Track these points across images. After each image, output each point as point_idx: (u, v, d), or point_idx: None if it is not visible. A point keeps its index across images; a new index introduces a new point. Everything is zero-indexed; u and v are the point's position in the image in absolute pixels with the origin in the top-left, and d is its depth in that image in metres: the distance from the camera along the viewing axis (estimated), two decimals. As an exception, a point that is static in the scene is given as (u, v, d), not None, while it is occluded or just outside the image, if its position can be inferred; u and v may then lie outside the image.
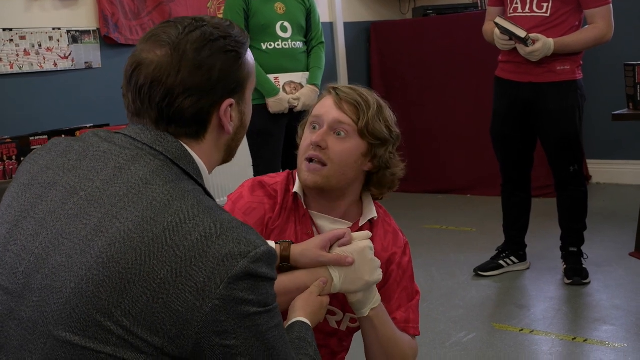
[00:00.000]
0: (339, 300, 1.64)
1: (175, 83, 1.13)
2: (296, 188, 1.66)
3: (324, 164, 1.59)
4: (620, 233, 4.07)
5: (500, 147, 3.58)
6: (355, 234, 1.54)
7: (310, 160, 1.60)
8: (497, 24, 3.31)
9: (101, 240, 1.06)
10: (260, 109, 3.52)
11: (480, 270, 3.69)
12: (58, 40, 3.82)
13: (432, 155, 5.57)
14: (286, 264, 1.50)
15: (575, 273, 3.49)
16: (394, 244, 1.70)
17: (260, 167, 3.65)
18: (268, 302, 1.09)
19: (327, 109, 1.61)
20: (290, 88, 3.58)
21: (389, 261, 1.68)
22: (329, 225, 1.65)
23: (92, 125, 3.62)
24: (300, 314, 1.40)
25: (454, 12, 5.59)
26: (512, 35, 3.29)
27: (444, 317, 3.22)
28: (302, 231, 1.64)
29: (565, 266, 3.56)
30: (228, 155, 1.26)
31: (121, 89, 1.21)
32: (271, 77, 3.55)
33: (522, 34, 3.25)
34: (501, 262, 3.71)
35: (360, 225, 1.67)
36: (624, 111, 3.79)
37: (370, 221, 1.68)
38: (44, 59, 3.77)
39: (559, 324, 3.09)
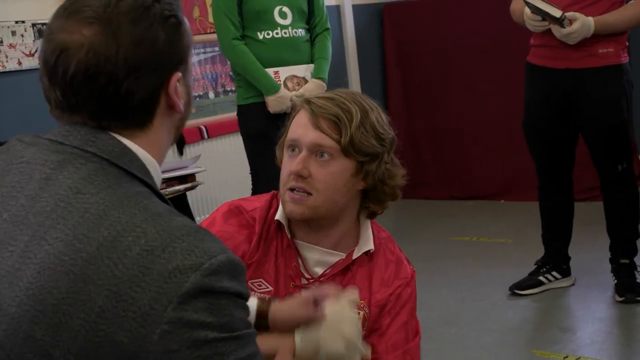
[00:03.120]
0: None
1: (117, 65, 1.08)
2: (279, 215, 1.65)
3: (309, 193, 1.58)
4: None
5: (535, 144, 3.58)
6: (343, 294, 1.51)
7: (292, 189, 1.59)
8: (527, 3, 3.29)
9: (29, 269, 1.02)
10: (259, 108, 3.53)
11: (517, 289, 3.67)
12: (22, 35, 3.84)
13: (459, 156, 5.57)
14: (264, 323, 1.47)
15: (628, 289, 3.47)
16: (397, 276, 1.69)
17: (259, 174, 3.65)
18: (235, 326, 1.03)
19: (304, 129, 1.60)
20: (293, 83, 3.56)
21: (389, 297, 1.67)
22: (318, 258, 1.65)
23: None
24: None
25: None
26: (545, 15, 3.28)
27: (476, 343, 3.21)
28: (284, 264, 1.64)
29: (616, 281, 3.55)
30: (173, 140, 1.23)
31: (40, 82, 1.15)
32: (270, 71, 3.53)
33: (556, 13, 3.23)
34: (541, 278, 3.69)
35: (354, 257, 1.66)
36: None
37: (367, 252, 1.68)
38: (6, 57, 3.79)
39: (610, 349, 3.09)
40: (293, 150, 1.61)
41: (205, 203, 4.37)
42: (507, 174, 5.38)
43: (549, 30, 3.34)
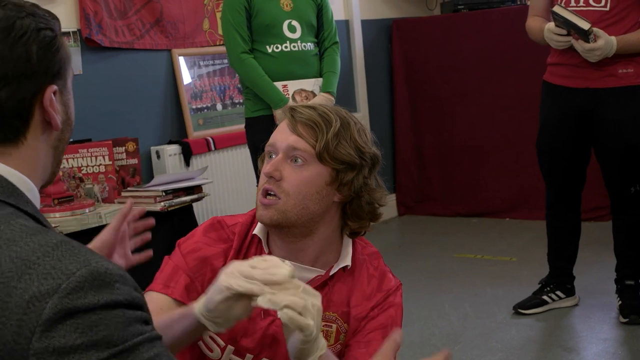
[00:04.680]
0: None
1: None
2: (257, 230, 1.64)
3: (279, 197, 1.57)
4: None
5: (548, 163, 3.55)
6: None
7: (265, 194, 1.58)
8: (554, 13, 3.25)
9: None
10: (267, 121, 3.51)
11: (520, 308, 3.67)
12: (33, 44, 3.85)
13: (465, 172, 5.58)
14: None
15: (633, 310, 3.47)
16: (379, 289, 1.67)
17: None
18: (115, 340, 0.93)
19: (282, 134, 1.60)
20: (301, 97, 3.57)
21: (371, 310, 1.64)
22: (296, 274, 1.62)
23: (71, 141, 3.65)
24: None
25: (488, 6, 5.61)
26: (571, 28, 3.23)
27: (479, 362, 3.21)
28: None
29: (620, 302, 3.54)
30: (56, 163, 1.17)
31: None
32: (279, 84, 3.55)
33: (585, 25, 3.18)
34: (545, 297, 3.69)
35: (331, 273, 1.64)
36: None
37: (344, 269, 1.65)
38: None
39: (613, 370, 3.07)
40: (270, 156, 1.61)
41: (211, 214, 4.37)
42: (512, 191, 5.39)
43: (569, 48, 3.31)
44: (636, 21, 3.31)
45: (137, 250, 1.74)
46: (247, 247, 1.63)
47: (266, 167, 1.59)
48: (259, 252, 1.63)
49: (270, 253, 1.62)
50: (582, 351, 3.29)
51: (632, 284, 3.53)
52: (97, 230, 3.32)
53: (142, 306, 0.99)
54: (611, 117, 3.34)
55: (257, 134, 3.59)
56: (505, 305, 3.77)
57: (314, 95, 3.60)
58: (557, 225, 3.66)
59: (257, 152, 3.60)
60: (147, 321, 0.99)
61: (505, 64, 5.27)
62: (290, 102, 3.54)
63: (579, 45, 3.26)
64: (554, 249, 3.69)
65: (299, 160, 1.57)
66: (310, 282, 1.61)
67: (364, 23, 5.66)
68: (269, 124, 3.48)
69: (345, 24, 5.55)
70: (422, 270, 4.43)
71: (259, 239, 1.64)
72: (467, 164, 5.57)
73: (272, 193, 1.57)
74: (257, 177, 3.65)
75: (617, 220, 3.55)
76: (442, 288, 4.10)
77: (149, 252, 1.74)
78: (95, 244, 1.62)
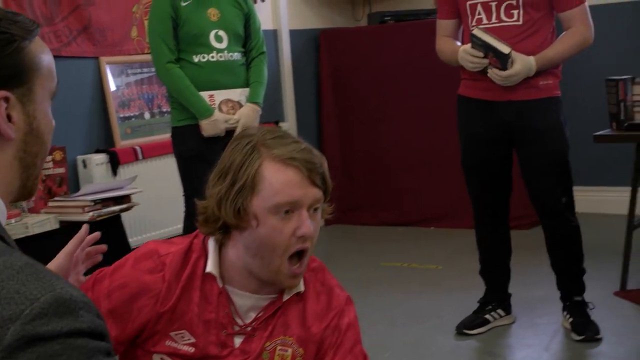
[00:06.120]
0: None
1: None
2: (211, 267, 1.58)
3: (306, 254, 1.55)
4: (603, 269, 4.10)
5: (476, 178, 3.47)
6: None
7: (299, 254, 1.54)
8: (474, 36, 3.18)
9: None
10: (192, 130, 3.54)
11: (465, 328, 3.57)
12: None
13: (391, 182, 5.61)
14: None
15: (586, 327, 3.39)
16: (329, 307, 1.65)
17: (192, 198, 3.59)
18: None
19: (303, 189, 1.52)
20: (228, 107, 3.57)
21: (325, 330, 1.63)
22: (252, 303, 1.61)
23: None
24: None
25: (414, 18, 5.66)
26: (491, 51, 3.18)
27: (409, 368, 3.23)
28: (215, 313, 1.58)
29: (571, 319, 3.46)
30: (26, 177, 1.12)
31: None
32: (205, 94, 3.55)
33: (505, 49, 3.13)
34: (487, 316, 3.61)
35: (284, 299, 1.62)
36: (607, 132, 3.89)
37: (297, 293, 1.64)
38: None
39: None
40: (287, 212, 1.52)
41: (140, 224, 4.33)
42: (438, 201, 5.43)
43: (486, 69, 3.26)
44: (549, 32, 3.31)
45: (87, 272, 1.73)
46: (189, 281, 1.58)
47: (302, 228, 1.51)
48: (211, 286, 1.58)
49: (224, 287, 1.58)
50: (509, 356, 3.35)
51: (580, 300, 3.47)
52: (24, 240, 3.29)
53: (104, 336, 0.95)
54: (536, 127, 3.31)
55: (184, 144, 3.60)
56: (433, 313, 3.81)
57: (241, 105, 3.61)
58: (491, 240, 3.59)
59: (184, 161, 3.62)
60: (109, 353, 0.95)
61: (432, 75, 5.27)
62: (217, 113, 3.53)
63: (495, 74, 3.22)
64: (490, 265, 3.62)
65: (319, 208, 1.56)
66: (264, 310, 1.60)
67: (292, 33, 5.68)
68: (195, 134, 3.54)
69: (274, 34, 5.56)
70: (350, 280, 4.42)
71: (211, 276, 1.59)
72: (393, 173, 5.60)
73: (304, 252, 1.54)
74: (185, 187, 3.68)
75: (550, 234, 3.45)
76: (370, 296, 4.12)
77: None
78: (50, 267, 1.56)
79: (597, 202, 5.41)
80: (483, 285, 3.68)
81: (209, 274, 1.58)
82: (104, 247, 1.74)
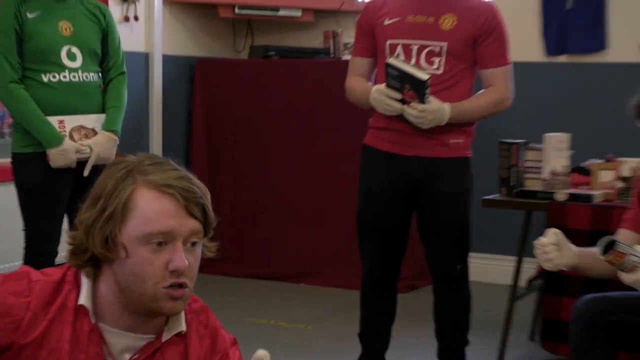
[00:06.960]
0: None
1: None
2: (84, 300, 1.54)
3: (186, 286, 1.52)
4: (482, 342, 3.99)
5: (371, 235, 3.37)
6: None
7: (175, 286, 1.51)
8: (389, 65, 3.06)
9: None
10: (37, 158, 3.32)
11: None
12: None
13: (261, 232, 5.50)
14: None
15: None
16: (213, 350, 1.63)
17: (33, 234, 3.40)
18: None
19: (178, 219, 1.49)
20: (80, 135, 3.39)
21: None
22: (127, 343, 1.56)
23: None
24: None
25: (301, 56, 5.65)
26: (408, 82, 3.05)
27: None
28: (85, 352, 1.53)
29: None
30: None
31: None
32: (54, 119, 3.33)
33: (423, 76, 3.02)
34: None
35: (163, 340, 1.58)
36: (496, 196, 3.91)
37: (178, 334, 1.61)
38: None
39: None
40: (160, 244, 1.49)
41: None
42: (310, 256, 5.33)
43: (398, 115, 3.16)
44: (468, 87, 3.27)
45: None
46: (58, 314, 1.52)
47: (176, 262, 1.49)
48: (82, 322, 1.53)
49: (96, 324, 1.54)
50: None
51: None
52: None
53: None
54: (444, 190, 3.25)
55: (26, 173, 3.39)
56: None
57: (95, 133, 3.42)
58: (375, 303, 3.48)
59: (25, 193, 3.32)
60: None
61: (316, 119, 5.25)
62: (67, 142, 3.33)
63: (411, 109, 3.09)
64: (372, 330, 3.51)
65: (197, 242, 1.54)
66: (141, 351, 1.57)
67: (166, 58, 5.55)
68: (40, 162, 3.29)
69: (145, 57, 5.41)
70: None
71: (82, 307, 1.54)
72: (264, 223, 5.49)
73: (184, 285, 1.52)
74: (25, 218, 3.36)
75: (441, 301, 3.43)
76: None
77: None
78: None
79: (478, 270, 5.36)
80: (356, 348, 3.55)
81: (82, 308, 1.54)
82: None
